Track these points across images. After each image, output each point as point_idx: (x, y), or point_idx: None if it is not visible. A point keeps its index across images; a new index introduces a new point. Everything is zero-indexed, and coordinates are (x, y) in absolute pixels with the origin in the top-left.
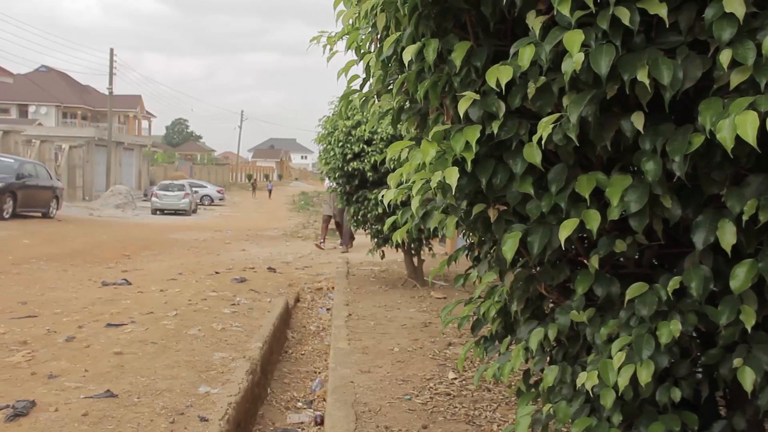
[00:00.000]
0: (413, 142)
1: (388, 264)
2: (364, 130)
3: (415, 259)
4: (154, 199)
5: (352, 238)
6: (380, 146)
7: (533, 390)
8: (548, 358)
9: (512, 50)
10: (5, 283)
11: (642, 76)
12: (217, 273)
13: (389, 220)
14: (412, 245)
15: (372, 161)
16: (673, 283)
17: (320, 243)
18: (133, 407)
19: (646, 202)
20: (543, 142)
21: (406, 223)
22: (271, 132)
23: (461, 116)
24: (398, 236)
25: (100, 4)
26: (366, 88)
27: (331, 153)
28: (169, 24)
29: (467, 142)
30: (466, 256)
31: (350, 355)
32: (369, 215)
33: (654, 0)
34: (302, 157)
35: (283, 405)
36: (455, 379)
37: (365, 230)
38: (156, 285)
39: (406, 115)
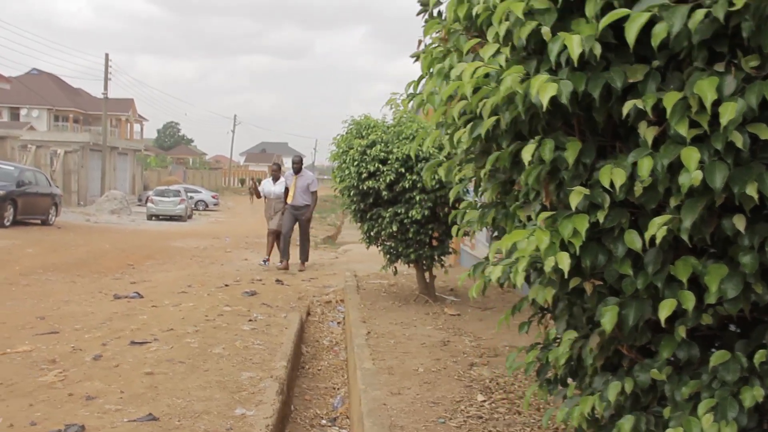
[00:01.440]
0: (531, 231)
1: (395, 278)
2: (380, 150)
3: (427, 275)
4: (149, 204)
5: (306, 255)
6: (395, 166)
7: None
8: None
9: (630, 159)
10: (18, 295)
11: (751, 190)
12: (226, 285)
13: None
14: (425, 261)
15: (387, 180)
16: (760, 356)
17: (265, 261)
18: (176, 431)
19: (741, 289)
20: (651, 235)
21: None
22: (263, 136)
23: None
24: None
25: (92, 6)
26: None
27: (346, 171)
28: (162, 26)
29: (575, 230)
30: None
31: (377, 376)
32: (383, 232)
33: (762, 125)
34: None
35: (307, 422)
36: (485, 401)
37: (377, 246)
38: (168, 299)
39: (491, 184)
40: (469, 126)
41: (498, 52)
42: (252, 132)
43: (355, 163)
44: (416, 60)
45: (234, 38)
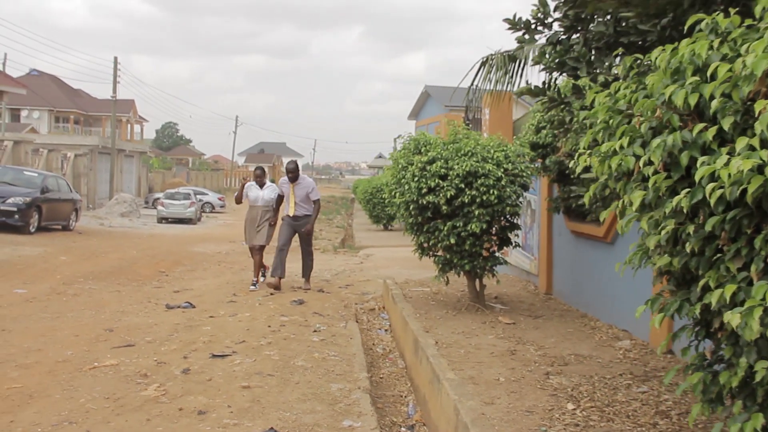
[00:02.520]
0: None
1: (438, 286)
2: (440, 167)
3: (478, 284)
4: (160, 207)
5: (309, 271)
6: (455, 182)
7: None
8: None
9: None
10: (74, 306)
11: None
12: (271, 294)
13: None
14: (477, 271)
15: (448, 195)
16: None
17: (254, 283)
18: None
19: None
20: None
21: None
22: (261, 136)
23: None
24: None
25: (88, 5)
26: None
27: (406, 186)
28: (158, 26)
29: None
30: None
31: (464, 386)
32: (439, 244)
33: None
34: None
35: (388, 431)
36: (575, 409)
37: (429, 257)
38: (221, 308)
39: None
40: (685, 192)
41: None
42: (250, 132)
43: (416, 178)
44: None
45: (229, 38)
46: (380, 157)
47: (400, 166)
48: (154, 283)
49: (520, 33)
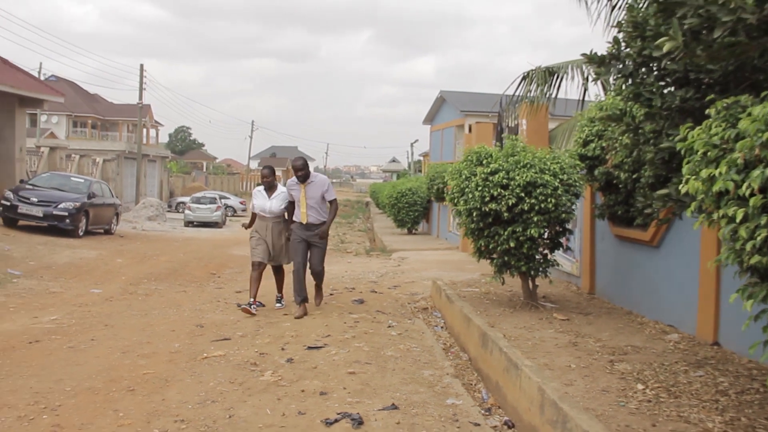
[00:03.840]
0: None
1: (485, 286)
2: (501, 177)
3: (531, 284)
4: (187, 211)
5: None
6: (516, 191)
7: None
8: None
9: None
10: (153, 305)
11: None
12: (330, 294)
13: None
14: (532, 273)
15: (509, 203)
16: None
17: (251, 305)
18: (419, 416)
19: None
20: None
21: None
22: (272, 139)
23: None
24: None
25: (99, 10)
26: None
27: (470, 195)
28: (169, 30)
29: None
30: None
31: (541, 371)
32: (498, 248)
33: None
34: None
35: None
36: (645, 389)
37: (486, 259)
38: (290, 307)
39: None
40: None
41: None
42: (262, 136)
43: (479, 188)
44: None
45: (240, 42)
46: (394, 161)
47: (463, 176)
48: (212, 283)
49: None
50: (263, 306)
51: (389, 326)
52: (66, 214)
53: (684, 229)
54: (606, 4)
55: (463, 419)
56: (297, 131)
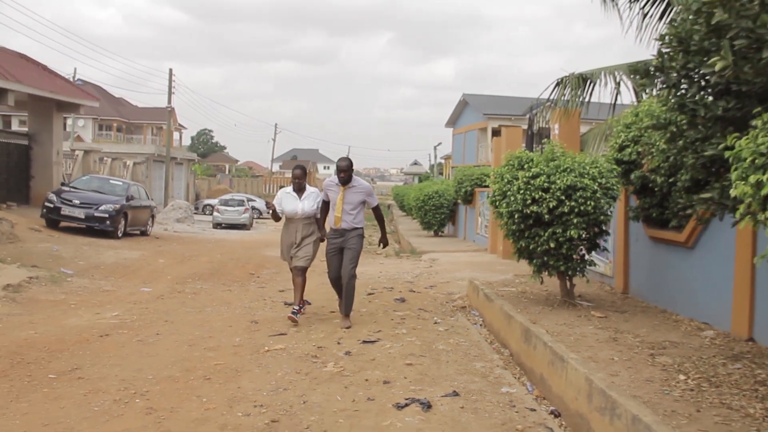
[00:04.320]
0: None
1: (521, 285)
2: (543, 181)
3: (568, 283)
4: (216, 213)
5: (351, 302)
6: (557, 194)
7: None
8: None
9: None
10: (204, 302)
11: None
12: (371, 294)
13: None
14: (569, 272)
15: (550, 206)
16: None
17: (296, 312)
18: (479, 402)
19: None
20: None
21: None
22: (293, 142)
23: None
24: None
25: (122, 14)
26: None
27: (512, 198)
28: (189, 33)
29: None
30: None
31: (587, 364)
32: (539, 249)
33: None
34: (325, 168)
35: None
36: (686, 379)
37: (525, 259)
38: (335, 305)
39: None
40: None
41: None
42: (282, 139)
43: (521, 191)
44: None
45: (259, 45)
46: (416, 164)
47: (505, 180)
48: (253, 283)
49: (638, 78)
50: (309, 304)
51: (435, 322)
52: (106, 215)
53: (719, 231)
54: (638, 13)
55: (520, 405)
56: (317, 134)
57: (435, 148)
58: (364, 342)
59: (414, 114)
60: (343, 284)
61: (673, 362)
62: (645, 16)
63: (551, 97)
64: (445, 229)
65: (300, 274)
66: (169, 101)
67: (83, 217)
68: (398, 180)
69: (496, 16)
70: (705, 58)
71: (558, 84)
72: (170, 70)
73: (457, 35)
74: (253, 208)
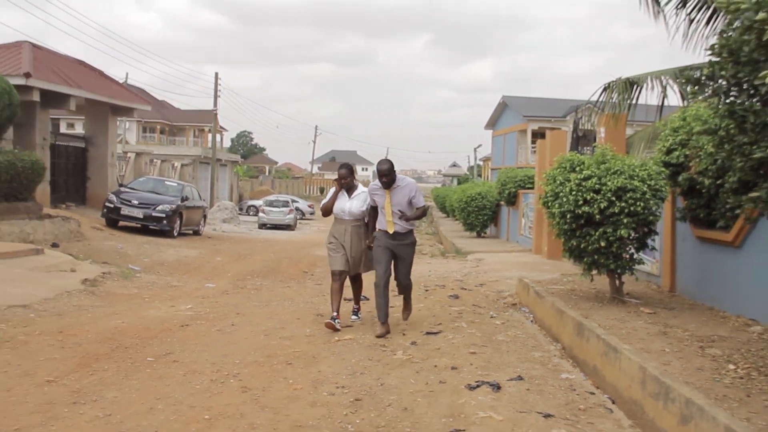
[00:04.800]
0: None
1: (570, 283)
2: (594, 183)
3: (617, 281)
4: (261, 214)
5: (409, 305)
6: (608, 195)
7: None
8: None
9: None
10: (267, 297)
11: None
12: (426, 290)
13: None
14: (619, 270)
15: (601, 206)
16: None
17: (334, 319)
18: (542, 385)
19: None
20: None
21: None
22: (331, 144)
23: None
24: None
25: (162, 18)
26: None
27: (564, 199)
28: (228, 36)
29: None
30: None
31: (640, 354)
32: (589, 248)
33: None
34: (363, 169)
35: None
36: (736, 368)
37: (577, 258)
38: (393, 301)
39: None
40: None
41: None
42: (321, 140)
43: (573, 192)
44: None
45: (297, 47)
46: (455, 165)
47: (557, 182)
48: (309, 281)
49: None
50: (367, 299)
51: (491, 317)
52: (163, 215)
53: (766, 230)
54: (684, 19)
55: (580, 389)
56: (354, 135)
57: (475, 150)
58: (428, 333)
59: (451, 116)
60: (399, 290)
61: (722, 353)
62: (691, 21)
63: (599, 100)
64: (488, 230)
65: (358, 279)
66: (215, 104)
67: (142, 216)
68: (435, 182)
69: (535, 16)
70: (755, 69)
71: (605, 89)
72: (216, 74)
73: (495, 36)
74: (297, 209)
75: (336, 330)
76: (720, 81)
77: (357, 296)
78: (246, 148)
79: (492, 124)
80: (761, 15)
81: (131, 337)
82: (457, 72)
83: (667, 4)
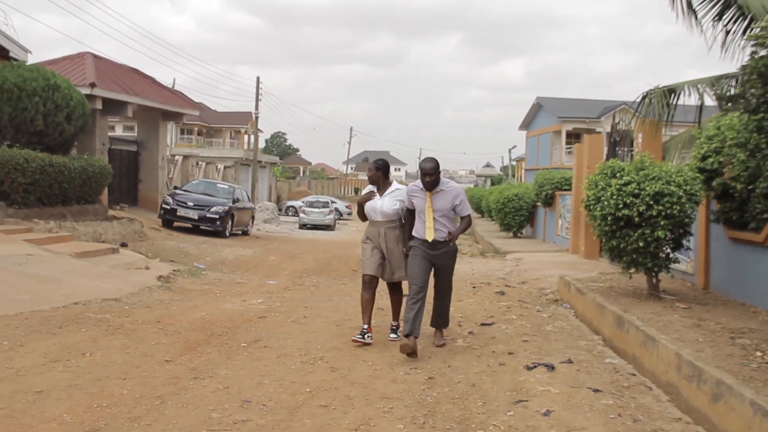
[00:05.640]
0: None
1: (609, 281)
2: (633, 188)
3: (654, 278)
4: (302, 215)
5: (446, 317)
6: (646, 200)
7: None
8: None
9: None
10: (326, 293)
11: None
12: (474, 287)
13: None
14: (655, 268)
15: (640, 210)
16: None
17: (365, 334)
18: (590, 368)
19: None
20: None
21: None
22: (365, 144)
23: None
24: None
25: (196, 19)
26: None
27: (605, 203)
28: (261, 37)
29: None
30: None
31: (675, 343)
32: (628, 247)
33: None
34: (396, 169)
35: None
36: (763, 355)
37: (617, 257)
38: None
39: None
40: None
41: None
42: (354, 140)
43: (614, 197)
44: None
45: (329, 48)
46: (488, 166)
47: (599, 186)
48: (360, 279)
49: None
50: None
51: (538, 310)
52: (217, 216)
53: None
54: (721, 30)
55: (622, 371)
56: (387, 135)
57: (509, 151)
58: (482, 324)
59: (483, 115)
60: (435, 306)
61: (750, 343)
62: (728, 33)
63: (638, 109)
64: (524, 230)
65: (397, 289)
66: (256, 107)
67: (197, 218)
68: (468, 182)
69: (568, 14)
70: None
71: (644, 97)
72: (257, 78)
73: (528, 35)
74: (336, 209)
75: (366, 344)
76: (750, 99)
77: (396, 310)
78: (280, 149)
79: (526, 125)
80: None
81: (219, 327)
82: (488, 71)
83: (704, 17)
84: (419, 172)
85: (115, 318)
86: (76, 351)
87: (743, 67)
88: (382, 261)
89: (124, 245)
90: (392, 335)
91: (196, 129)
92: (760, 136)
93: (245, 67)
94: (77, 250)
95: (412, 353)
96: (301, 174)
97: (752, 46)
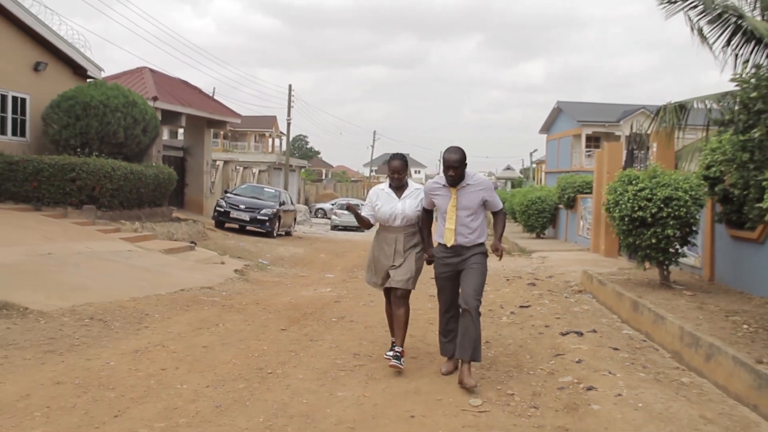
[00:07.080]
0: None
1: (626, 274)
2: (647, 194)
3: (665, 271)
4: (333, 217)
5: (478, 347)
6: (657, 203)
7: None
8: None
9: None
10: None
11: None
12: (507, 280)
13: None
14: (666, 263)
15: (652, 212)
16: None
17: (399, 355)
18: (611, 336)
19: None
20: None
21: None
22: (385, 146)
23: None
24: None
25: (216, 22)
26: None
27: (623, 206)
28: (281, 39)
29: None
30: None
31: (679, 320)
32: (642, 244)
33: None
34: (416, 172)
35: None
36: (748, 328)
37: (632, 252)
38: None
39: None
40: None
41: None
42: (368, 142)
43: (630, 201)
44: None
45: (349, 50)
46: (508, 168)
47: (618, 192)
48: None
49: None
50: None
51: (566, 297)
52: (266, 218)
53: None
54: (730, 54)
55: (636, 338)
56: (408, 137)
57: (531, 154)
58: (521, 306)
59: (503, 117)
60: (462, 316)
61: (741, 319)
62: (737, 56)
63: (652, 123)
64: (546, 231)
65: (401, 303)
66: (288, 114)
67: (248, 219)
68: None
69: (588, 15)
70: (759, 119)
71: (658, 112)
72: (290, 86)
73: (548, 36)
74: None
75: (400, 368)
76: (738, 123)
77: (401, 329)
78: (301, 152)
79: (546, 128)
80: (754, 94)
81: (308, 308)
82: (508, 72)
83: (714, 42)
84: (443, 163)
85: (224, 300)
86: (209, 322)
87: (733, 96)
88: (389, 263)
89: (193, 244)
90: (388, 352)
91: (221, 133)
92: (744, 154)
93: (265, 69)
94: (164, 247)
95: (453, 370)
96: (324, 176)
97: (735, 85)
